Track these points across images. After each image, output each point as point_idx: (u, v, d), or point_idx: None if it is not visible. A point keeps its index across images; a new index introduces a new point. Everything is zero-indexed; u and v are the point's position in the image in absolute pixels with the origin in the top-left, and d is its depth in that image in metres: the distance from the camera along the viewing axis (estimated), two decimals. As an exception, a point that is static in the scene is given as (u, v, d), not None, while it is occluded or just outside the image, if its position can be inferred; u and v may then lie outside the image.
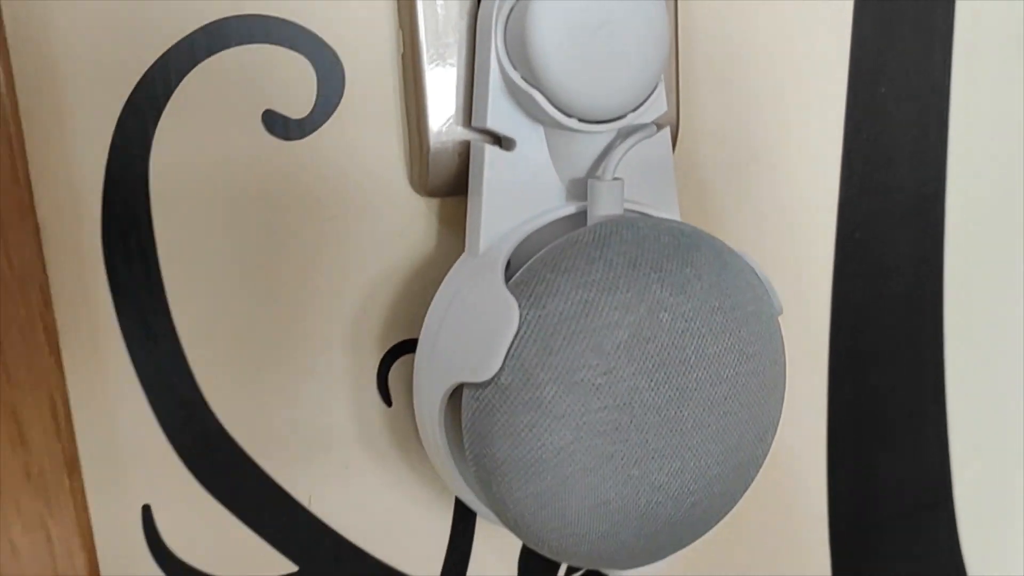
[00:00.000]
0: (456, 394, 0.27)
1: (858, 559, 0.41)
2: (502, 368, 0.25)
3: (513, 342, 0.25)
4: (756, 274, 0.28)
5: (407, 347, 0.30)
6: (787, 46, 0.34)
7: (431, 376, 0.28)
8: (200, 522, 0.29)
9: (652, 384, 0.26)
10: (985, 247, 0.40)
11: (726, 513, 0.29)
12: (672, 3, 0.31)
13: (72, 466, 0.27)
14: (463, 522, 0.32)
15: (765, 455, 0.29)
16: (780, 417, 0.29)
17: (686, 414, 0.26)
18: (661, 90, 0.29)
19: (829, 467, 0.39)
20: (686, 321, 0.26)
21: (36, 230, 0.26)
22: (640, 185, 0.30)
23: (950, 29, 0.37)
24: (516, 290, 0.25)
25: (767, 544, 0.39)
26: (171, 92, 0.26)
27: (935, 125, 0.38)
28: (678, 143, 0.32)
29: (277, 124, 0.28)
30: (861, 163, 0.36)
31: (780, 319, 0.29)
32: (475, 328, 0.26)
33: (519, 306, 0.25)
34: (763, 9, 0.33)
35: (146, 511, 0.28)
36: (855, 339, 0.38)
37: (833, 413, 0.39)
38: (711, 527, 0.29)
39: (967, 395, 0.41)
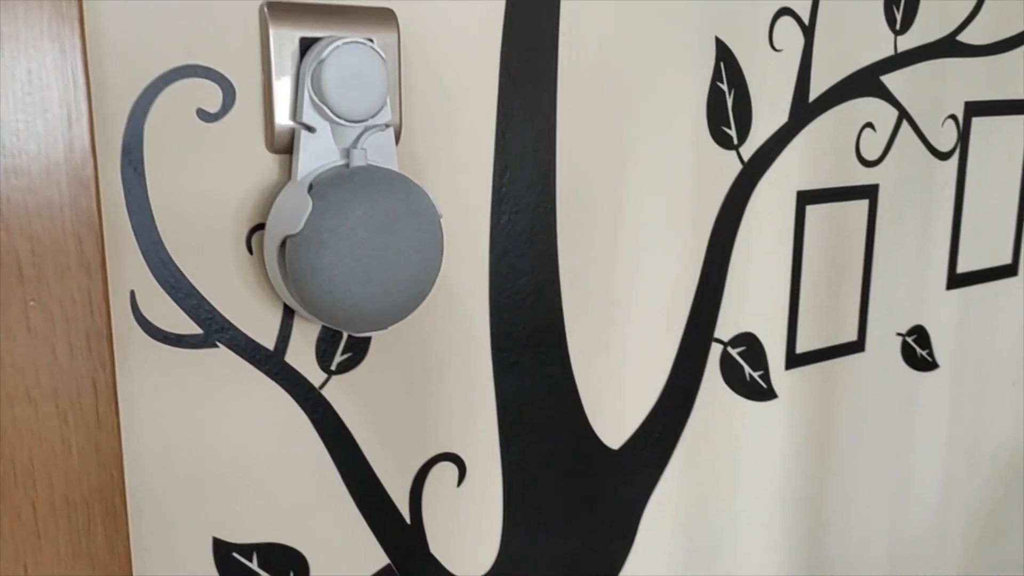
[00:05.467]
0: (283, 245, 0.58)
1: (510, 368, 0.75)
2: (303, 227, 0.56)
3: (308, 215, 0.57)
4: (427, 195, 0.61)
5: (261, 227, 0.61)
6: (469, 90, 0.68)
7: (272, 237, 0.59)
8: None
9: (372, 236, 0.58)
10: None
11: (413, 309, 0.62)
12: (396, 60, 0.64)
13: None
14: (288, 316, 0.64)
15: (434, 280, 0.62)
16: (441, 261, 0.62)
17: (391, 254, 0.59)
18: (388, 109, 0.61)
19: (491, 303, 0.73)
20: (386, 209, 0.58)
21: None
22: (378, 153, 0.62)
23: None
24: (312, 194, 0.57)
25: (440, 336, 0.72)
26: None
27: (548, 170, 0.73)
28: (402, 136, 0.65)
29: (203, 115, 0.58)
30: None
31: (443, 219, 0.62)
32: (291, 211, 0.58)
33: (311, 201, 0.57)
34: (464, 61, 0.67)
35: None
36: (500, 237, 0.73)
37: (492, 274, 0.72)
38: (405, 316, 0.62)
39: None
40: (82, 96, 0.53)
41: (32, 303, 0.55)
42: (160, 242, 0.58)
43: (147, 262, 0.58)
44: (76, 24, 0.52)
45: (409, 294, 0.61)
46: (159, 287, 0.58)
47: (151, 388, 0.59)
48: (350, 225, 0.57)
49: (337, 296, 0.58)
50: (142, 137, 0.56)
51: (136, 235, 0.57)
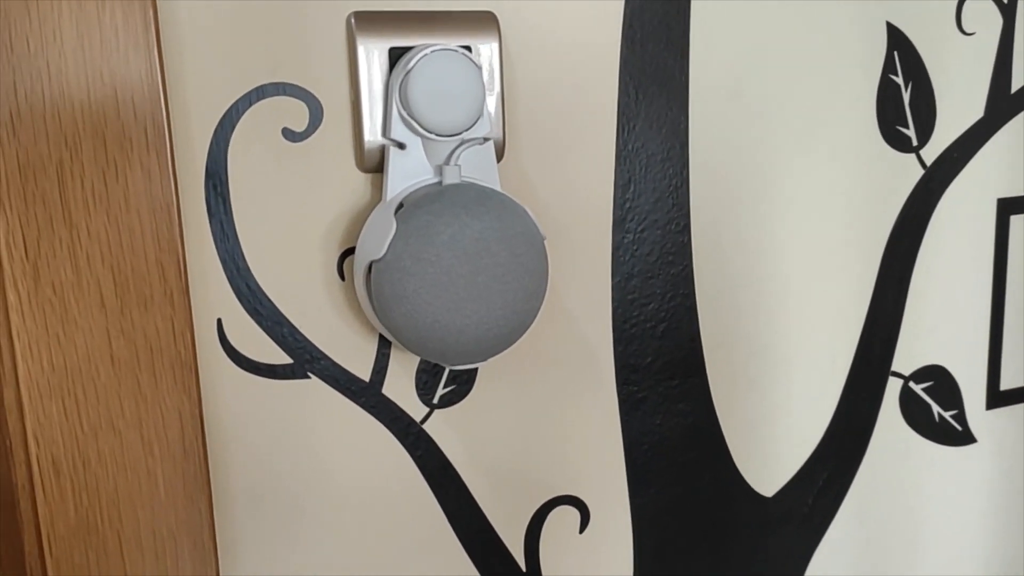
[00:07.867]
0: (369, 269, 0.54)
1: (634, 404, 0.67)
2: (385, 252, 0.52)
3: (391, 239, 0.52)
4: (527, 215, 0.55)
5: (351, 251, 0.58)
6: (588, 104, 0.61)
7: (359, 262, 0.55)
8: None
9: (460, 262, 0.53)
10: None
11: (513, 341, 0.56)
12: (498, 67, 0.58)
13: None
14: (384, 346, 0.60)
15: (537, 309, 0.56)
16: (546, 287, 0.56)
17: (482, 280, 0.53)
18: (485, 120, 0.56)
19: (614, 327, 0.65)
20: (476, 232, 0.53)
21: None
22: (477, 170, 0.57)
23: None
24: (398, 216, 0.53)
25: (557, 368, 0.65)
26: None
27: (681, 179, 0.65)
28: (507, 150, 0.60)
29: (289, 135, 0.56)
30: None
31: (553, 241, 0.56)
32: (377, 234, 0.54)
33: (395, 224, 0.52)
34: (572, 71, 0.61)
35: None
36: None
37: (615, 300, 0.65)
38: (504, 349, 0.56)
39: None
40: (162, 121, 0.52)
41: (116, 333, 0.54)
42: (247, 269, 0.56)
43: (234, 289, 0.56)
44: (155, 47, 0.51)
45: (507, 324, 0.55)
46: (247, 315, 0.56)
47: (241, 419, 0.57)
48: (435, 250, 0.52)
49: (423, 327, 0.53)
50: (226, 160, 0.54)
51: (222, 262, 0.55)
